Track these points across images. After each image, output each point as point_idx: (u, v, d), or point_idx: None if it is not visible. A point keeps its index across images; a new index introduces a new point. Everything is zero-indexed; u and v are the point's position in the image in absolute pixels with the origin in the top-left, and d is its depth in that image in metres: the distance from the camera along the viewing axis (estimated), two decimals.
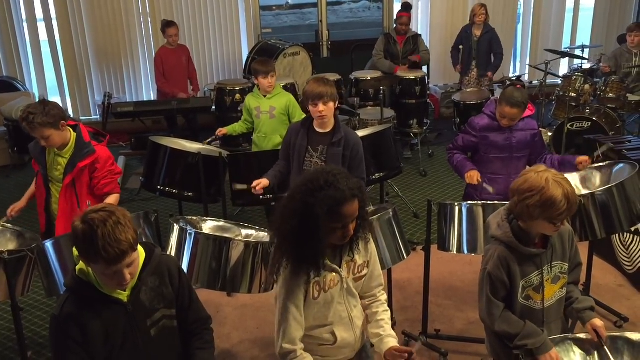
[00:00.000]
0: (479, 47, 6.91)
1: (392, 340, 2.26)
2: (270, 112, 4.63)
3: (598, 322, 2.33)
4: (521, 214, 2.23)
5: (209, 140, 4.91)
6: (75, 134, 3.39)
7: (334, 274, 2.15)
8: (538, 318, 2.35)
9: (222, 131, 4.86)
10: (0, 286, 3.11)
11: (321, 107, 3.43)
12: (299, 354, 2.11)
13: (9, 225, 3.52)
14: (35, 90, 7.92)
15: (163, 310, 2.07)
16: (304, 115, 4.49)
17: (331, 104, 3.46)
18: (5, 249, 3.26)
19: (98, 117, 7.80)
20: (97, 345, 1.96)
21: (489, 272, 2.27)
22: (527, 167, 3.77)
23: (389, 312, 2.36)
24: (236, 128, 4.88)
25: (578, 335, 2.38)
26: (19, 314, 3.18)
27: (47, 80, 7.98)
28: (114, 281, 1.92)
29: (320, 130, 3.54)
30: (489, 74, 6.91)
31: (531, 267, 2.30)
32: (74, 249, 1.94)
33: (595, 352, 2.30)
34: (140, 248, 2.02)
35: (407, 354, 2.14)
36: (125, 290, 1.99)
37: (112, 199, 3.46)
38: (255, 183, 3.61)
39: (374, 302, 2.34)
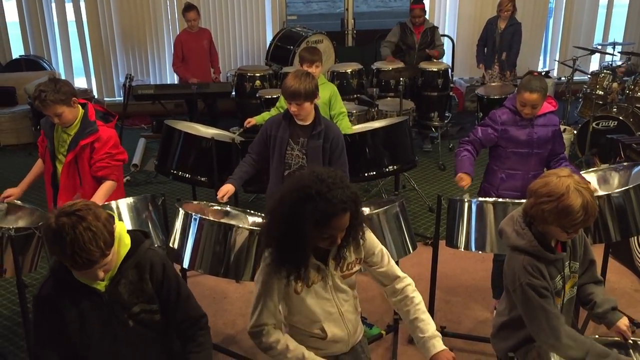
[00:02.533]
0: (502, 40, 6.77)
1: (434, 344, 2.13)
2: None
3: (622, 325, 2.25)
4: (535, 217, 2.16)
5: (240, 132, 4.80)
6: (82, 111, 3.40)
7: (318, 270, 2.11)
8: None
9: (251, 122, 4.71)
10: (8, 263, 3.15)
11: (294, 107, 3.39)
12: (264, 332, 2.09)
13: (19, 202, 3.55)
14: (61, 69, 8.01)
15: (142, 305, 2.02)
16: (344, 108, 4.43)
17: (306, 105, 3.39)
18: (15, 226, 3.30)
19: (122, 98, 7.85)
20: (74, 330, 1.95)
21: (528, 283, 2.13)
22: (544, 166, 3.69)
23: (422, 302, 2.23)
24: (266, 117, 4.79)
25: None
26: (24, 291, 3.22)
27: (73, 61, 8.06)
28: (88, 277, 1.91)
29: (301, 123, 3.49)
30: (507, 73, 6.78)
31: (554, 272, 2.22)
32: None
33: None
34: (126, 237, 1.98)
35: None
36: (103, 280, 1.96)
37: (105, 187, 3.37)
38: (220, 193, 3.47)
39: (401, 300, 2.23)
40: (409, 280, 2.26)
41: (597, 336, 2.38)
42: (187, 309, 2.11)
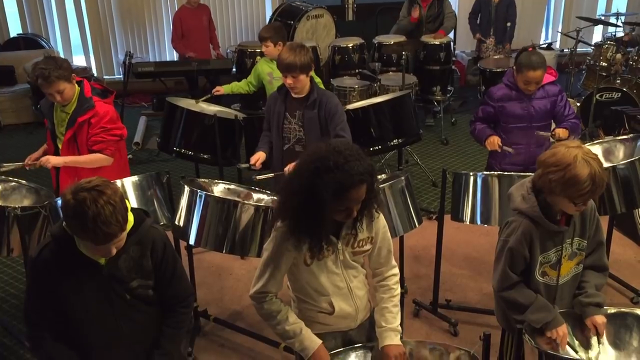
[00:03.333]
0: (496, 14, 6.70)
1: (391, 336, 2.19)
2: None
3: (599, 319, 2.24)
4: (543, 187, 2.16)
5: (204, 98, 4.77)
6: (78, 89, 3.37)
7: (330, 244, 2.11)
8: (551, 295, 2.29)
9: (219, 90, 4.72)
10: (14, 242, 3.17)
11: (289, 80, 3.40)
12: (267, 298, 2.12)
13: (24, 181, 3.55)
14: (59, 48, 7.93)
15: (139, 280, 2.05)
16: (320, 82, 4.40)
17: (302, 77, 3.40)
18: (20, 205, 3.30)
19: (121, 76, 7.80)
20: (69, 298, 1.97)
21: (510, 247, 2.20)
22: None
23: (398, 298, 2.28)
24: (234, 88, 4.77)
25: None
26: None
27: (71, 39, 7.99)
28: (99, 254, 1.93)
29: (297, 96, 3.50)
30: (507, 45, 6.72)
31: (551, 244, 2.23)
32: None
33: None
34: (130, 215, 1.99)
35: None
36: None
37: (94, 156, 3.36)
38: (253, 160, 3.58)
39: (382, 285, 2.27)
40: (396, 270, 2.31)
41: (604, 307, 2.37)
42: (179, 287, 2.16)
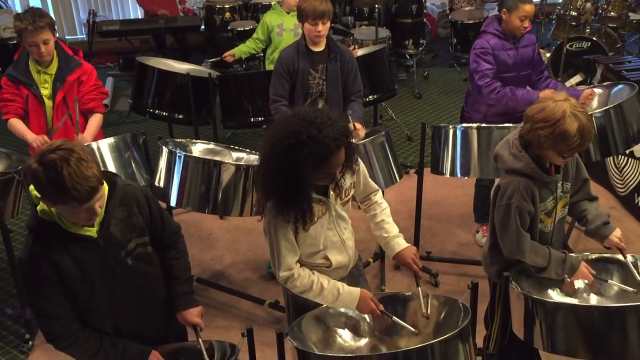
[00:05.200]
0: None
1: (398, 242, 2.27)
2: (294, 30, 4.41)
3: (613, 237, 2.30)
4: (531, 142, 2.17)
5: (213, 60, 4.65)
6: (55, 50, 3.26)
7: (321, 204, 2.12)
8: (546, 241, 2.34)
9: (229, 55, 4.59)
10: None
11: (321, 26, 3.34)
12: (296, 275, 2.12)
13: None
14: (17, 8, 7.61)
15: (136, 240, 2.02)
16: None
17: (329, 23, 3.39)
18: None
19: (84, 36, 7.56)
20: (75, 283, 1.92)
21: (517, 206, 2.19)
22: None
23: (388, 208, 2.34)
24: (244, 50, 4.62)
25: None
26: (9, 236, 3.17)
27: None
28: (84, 217, 1.86)
29: (316, 49, 3.44)
30: None
31: (547, 193, 2.26)
32: (32, 190, 1.84)
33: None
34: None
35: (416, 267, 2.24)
36: (93, 226, 1.93)
37: (96, 119, 3.36)
38: None
39: (369, 205, 2.33)
40: (377, 188, 2.37)
41: (586, 253, 2.44)
42: (170, 227, 2.18)
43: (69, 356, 2.08)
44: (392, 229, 2.30)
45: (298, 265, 2.14)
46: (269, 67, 4.47)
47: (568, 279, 2.25)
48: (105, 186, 1.93)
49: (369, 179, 2.31)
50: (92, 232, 1.93)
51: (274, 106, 3.43)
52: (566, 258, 2.25)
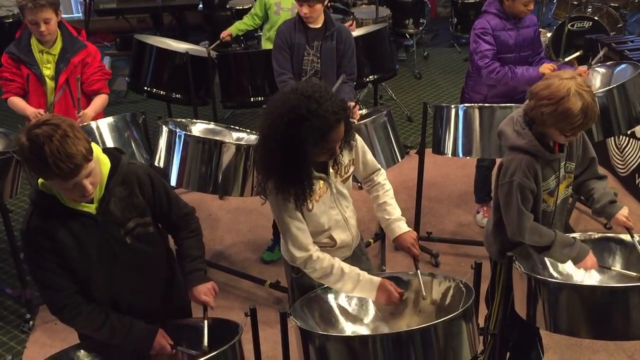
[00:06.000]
0: None
1: (399, 225, 2.25)
2: (292, 10, 4.36)
3: (620, 216, 2.28)
4: (534, 119, 2.15)
5: (214, 45, 4.61)
6: (60, 30, 3.21)
7: (322, 182, 2.10)
8: (548, 221, 2.32)
9: (227, 34, 4.54)
10: None
11: (305, 9, 3.30)
12: (314, 257, 2.09)
13: None
14: None
15: (136, 219, 2.00)
16: None
17: (318, 6, 3.31)
18: None
19: (80, 15, 7.48)
20: (72, 257, 1.91)
21: (519, 184, 2.17)
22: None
23: (392, 190, 2.33)
24: (241, 27, 4.56)
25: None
26: (8, 216, 3.17)
27: None
28: (76, 193, 1.83)
29: (313, 26, 3.41)
30: None
31: (549, 171, 2.24)
32: None
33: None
34: (104, 157, 1.92)
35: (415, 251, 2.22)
36: (92, 202, 1.91)
37: (101, 99, 3.34)
38: None
39: (372, 186, 2.32)
40: (382, 170, 2.35)
41: (590, 233, 2.44)
42: (179, 209, 2.14)
43: (71, 333, 2.08)
44: (394, 211, 2.28)
45: (315, 247, 2.11)
46: (266, 45, 4.44)
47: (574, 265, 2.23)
48: (107, 163, 1.92)
49: (370, 157, 2.29)
50: (91, 208, 1.91)
51: (280, 79, 3.42)
52: (575, 243, 2.23)
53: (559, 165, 2.26)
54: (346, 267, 2.11)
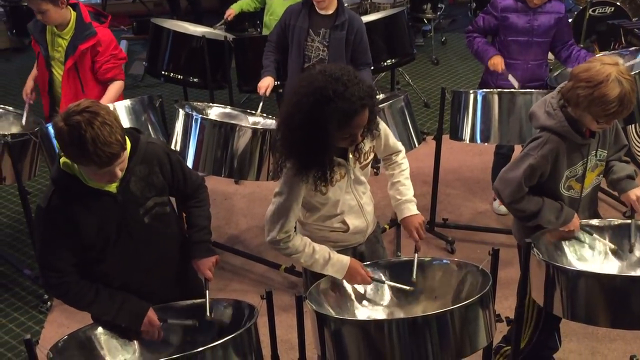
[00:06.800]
0: None
1: (408, 207, 2.25)
2: None
3: (632, 194, 2.25)
4: (569, 100, 2.12)
5: (219, 24, 4.62)
6: (75, 13, 3.20)
7: (340, 167, 2.09)
8: (574, 207, 2.30)
9: (231, 12, 4.53)
10: (6, 170, 3.11)
11: None
12: (291, 237, 2.09)
13: (10, 108, 3.44)
14: None
15: (154, 199, 2.02)
16: None
17: None
18: (9, 132, 3.21)
19: None
20: (90, 236, 1.93)
21: (531, 164, 2.16)
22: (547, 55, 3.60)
23: (408, 170, 2.32)
24: (243, 6, 4.55)
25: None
26: (27, 198, 3.19)
27: None
28: (104, 179, 1.86)
29: (323, 12, 3.33)
30: None
31: (577, 156, 2.21)
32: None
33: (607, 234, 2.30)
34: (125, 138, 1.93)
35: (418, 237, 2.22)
36: (116, 181, 1.93)
37: (116, 87, 3.32)
38: (261, 88, 3.40)
39: (389, 164, 2.31)
40: (401, 147, 2.34)
41: (610, 219, 2.38)
42: (193, 182, 2.17)
43: (88, 314, 2.10)
44: (406, 191, 2.27)
45: (294, 230, 2.12)
46: (265, 32, 4.38)
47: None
48: (128, 143, 1.92)
49: (392, 140, 2.27)
50: (112, 187, 1.93)
51: (265, 49, 3.52)
52: (562, 207, 2.23)
53: (588, 151, 2.22)
54: (317, 246, 2.12)
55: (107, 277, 2.03)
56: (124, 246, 2.00)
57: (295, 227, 2.13)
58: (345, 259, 2.12)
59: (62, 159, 1.89)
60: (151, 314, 2.05)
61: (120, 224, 1.97)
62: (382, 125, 2.20)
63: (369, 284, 2.16)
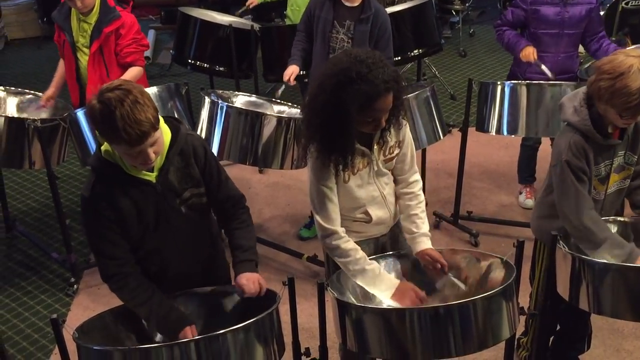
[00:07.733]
0: None
1: (424, 241, 2.19)
2: None
3: None
4: (592, 94, 2.08)
5: (240, 11, 4.66)
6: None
7: (364, 156, 2.08)
8: (597, 209, 2.22)
9: (252, 1, 4.58)
10: (36, 155, 3.17)
11: None
12: (342, 235, 2.09)
13: (41, 94, 3.50)
14: None
15: (191, 190, 2.03)
16: None
17: None
18: (39, 117, 3.27)
19: None
20: (132, 223, 1.95)
21: (567, 161, 2.10)
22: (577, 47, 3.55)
23: (424, 203, 2.26)
24: None
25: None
26: (55, 183, 3.24)
27: None
28: (139, 161, 1.86)
29: (348, 4, 3.29)
30: None
31: (602, 157, 2.16)
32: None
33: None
34: (165, 126, 1.94)
35: (439, 265, 2.14)
36: (152, 171, 1.94)
37: (133, 72, 3.33)
38: (286, 76, 3.37)
39: (407, 194, 2.24)
40: (418, 177, 2.27)
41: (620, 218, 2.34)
42: (228, 189, 2.13)
43: (113, 298, 2.12)
44: (423, 225, 2.21)
45: (342, 228, 2.10)
46: (287, 22, 4.37)
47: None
48: (168, 132, 1.94)
49: (413, 153, 2.22)
50: (152, 177, 1.95)
51: (295, 39, 3.50)
52: (625, 245, 2.11)
53: (614, 152, 2.17)
54: (368, 261, 2.09)
55: (145, 262, 2.05)
56: (162, 234, 2.02)
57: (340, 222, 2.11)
58: (395, 280, 2.11)
59: (103, 147, 1.91)
60: (187, 331, 2.00)
61: (158, 212, 1.98)
62: (409, 135, 2.18)
63: (425, 302, 2.08)
